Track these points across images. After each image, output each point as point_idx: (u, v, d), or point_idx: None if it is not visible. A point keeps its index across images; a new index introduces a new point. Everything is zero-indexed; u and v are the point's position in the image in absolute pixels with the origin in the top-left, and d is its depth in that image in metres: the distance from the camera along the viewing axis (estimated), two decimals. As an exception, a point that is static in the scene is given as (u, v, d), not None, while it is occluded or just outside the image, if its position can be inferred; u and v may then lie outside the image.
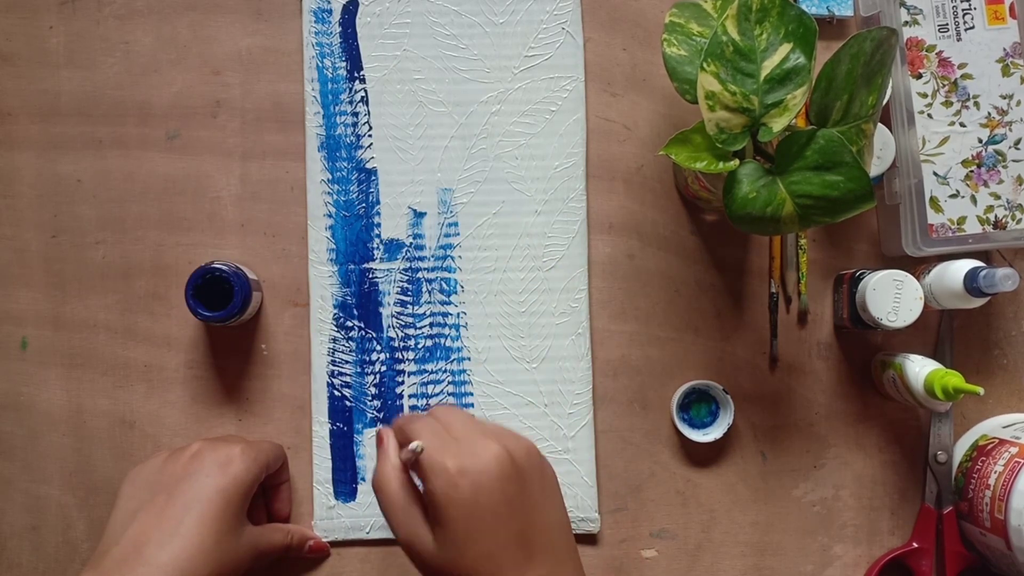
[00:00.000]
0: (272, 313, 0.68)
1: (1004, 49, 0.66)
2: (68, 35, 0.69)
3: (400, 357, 0.68)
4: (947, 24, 0.66)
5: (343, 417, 0.68)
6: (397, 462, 0.54)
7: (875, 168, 0.66)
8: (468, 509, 0.50)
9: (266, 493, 0.66)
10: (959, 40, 0.66)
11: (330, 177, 0.68)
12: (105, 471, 0.68)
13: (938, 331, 0.69)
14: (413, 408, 0.67)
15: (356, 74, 0.68)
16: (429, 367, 0.68)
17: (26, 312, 0.68)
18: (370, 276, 0.68)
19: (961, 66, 0.66)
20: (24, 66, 0.69)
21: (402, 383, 0.68)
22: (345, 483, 0.67)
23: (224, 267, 0.63)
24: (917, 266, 0.67)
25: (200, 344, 0.68)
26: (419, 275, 0.68)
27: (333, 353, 0.68)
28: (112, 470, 0.67)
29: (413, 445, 0.51)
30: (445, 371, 0.68)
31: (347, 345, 0.68)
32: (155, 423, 0.68)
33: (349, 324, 0.68)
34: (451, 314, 0.68)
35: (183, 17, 0.69)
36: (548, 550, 0.52)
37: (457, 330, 0.68)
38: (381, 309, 0.68)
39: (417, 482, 0.53)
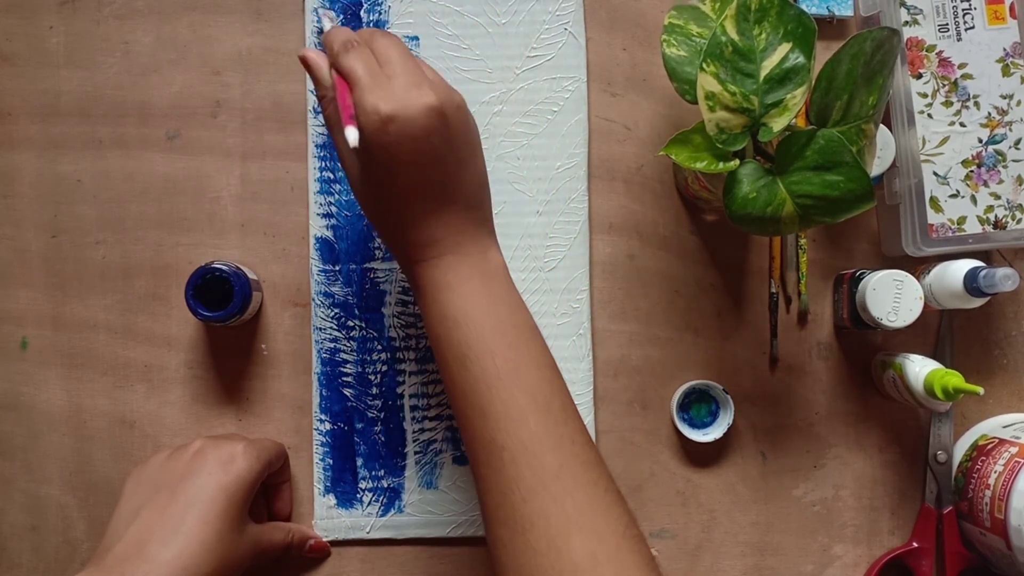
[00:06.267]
0: (272, 313, 0.68)
1: (1004, 49, 0.66)
2: (68, 35, 0.69)
3: (401, 357, 0.68)
4: (947, 24, 0.66)
5: (343, 417, 0.67)
6: (331, 85, 0.55)
7: (875, 168, 0.66)
8: (391, 154, 0.51)
9: (267, 493, 0.66)
10: (959, 40, 0.66)
11: (331, 177, 0.68)
12: (105, 471, 0.68)
13: (938, 331, 0.69)
14: (413, 408, 0.67)
15: (356, 74, 0.68)
16: (430, 367, 0.68)
17: (26, 312, 0.68)
18: (371, 276, 0.68)
19: (961, 66, 0.66)
20: (24, 66, 0.69)
21: (403, 383, 0.68)
22: (345, 483, 0.67)
23: (224, 267, 0.63)
24: (917, 266, 0.67)
25: (200, 344, 0.68)
26: (419, 275, 0.68)
27: (334, 353, 0.68)
28: (112, 470, 0.67)
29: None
30: (445, 371, 0.68)
31: (348, 345, 0.68)
32: (155, 423, 0.68)
33: (350, 324, 0.68)
34: (451, 314, 0.68)
35: (183, 17, 0.69)
36: (463, 202, 0.54)
37: (457, 330, 0.68)
38: (382, 309, 0.68)
39: None
